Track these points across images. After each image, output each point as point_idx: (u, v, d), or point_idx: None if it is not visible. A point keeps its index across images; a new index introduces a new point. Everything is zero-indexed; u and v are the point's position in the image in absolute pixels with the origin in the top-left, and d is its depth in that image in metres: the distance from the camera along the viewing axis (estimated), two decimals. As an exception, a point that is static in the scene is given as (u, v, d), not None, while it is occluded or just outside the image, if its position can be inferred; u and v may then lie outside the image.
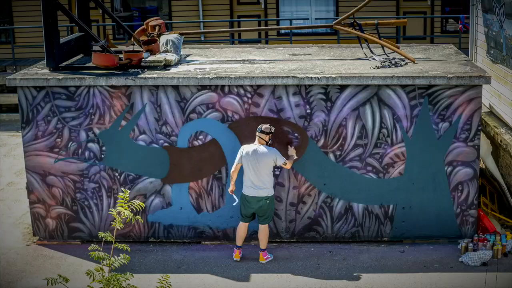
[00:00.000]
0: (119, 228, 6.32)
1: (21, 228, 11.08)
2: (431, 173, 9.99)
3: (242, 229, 9.77)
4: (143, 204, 6.51)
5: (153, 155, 10.09)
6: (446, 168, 9.99)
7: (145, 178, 10.18)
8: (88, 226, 10.37)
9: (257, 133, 9.56)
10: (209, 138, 10.03)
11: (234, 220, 10.19)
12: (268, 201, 9.54)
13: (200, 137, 10.04)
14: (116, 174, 10.19)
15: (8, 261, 9.95)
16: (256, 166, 9.42)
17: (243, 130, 9.97)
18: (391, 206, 10.12)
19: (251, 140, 9.85)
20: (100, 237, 6.33)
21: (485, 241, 9.85)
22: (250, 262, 9.74)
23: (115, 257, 6.26)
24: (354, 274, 9.38)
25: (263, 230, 9.70)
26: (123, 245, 6.46)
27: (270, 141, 9.56)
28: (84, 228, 10.38)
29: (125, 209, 6.20)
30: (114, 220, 6.21)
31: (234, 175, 9.62)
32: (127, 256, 6.31)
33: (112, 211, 6.33)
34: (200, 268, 9.59)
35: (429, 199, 10.07)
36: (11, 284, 9.29)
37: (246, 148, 9.55)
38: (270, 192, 9.55)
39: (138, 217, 6.57)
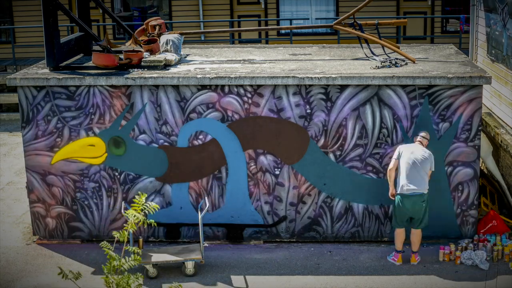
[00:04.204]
0: (133, 230, 6.15)
1: (21, 227, 11.08)
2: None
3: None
4: (157, 206, 6.28)
5: (153, 155, 10.09)
6: (446, 168, 9.98)
7: (145, 177, 10.17)
8: (88, 225, 10.37)
9: (419, 137, 9.59)
10: (209, 137, 10.03)
11: (234, 220, 10.19)
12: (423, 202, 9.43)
13: (200, 136, 10.04)
14: (116, 173, 10.19)
15: (8, 260, 9.95)
16: (418, 167, 9.35)
17: (243, 130, 9.96)
18: (391, 206, 10.11)
19: (251, 139, 9.85)
20: (112, 236, 6.16)
21: (486, 242, 9.85)
22: (250, 262, 9.74)
23: (126, 258, 6.09)
24: (354, 274, 9.37)
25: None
26: (134, 248, 6.26)
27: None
28: (84, 227, 10.37)
29: (138, 213, 6.01)
30: (127, 222, 6.05)
31: (392, 174, 9.54)
32: (138, 257, 6.15)
33: (126, 213, 6.15)
34: (200, 268, 9.57)
35: (429, 199, 10.05)
36: (11, 284, 9.28)
37: (406, 148, 9.49)
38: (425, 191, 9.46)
39: (152, 220, 6.38)
